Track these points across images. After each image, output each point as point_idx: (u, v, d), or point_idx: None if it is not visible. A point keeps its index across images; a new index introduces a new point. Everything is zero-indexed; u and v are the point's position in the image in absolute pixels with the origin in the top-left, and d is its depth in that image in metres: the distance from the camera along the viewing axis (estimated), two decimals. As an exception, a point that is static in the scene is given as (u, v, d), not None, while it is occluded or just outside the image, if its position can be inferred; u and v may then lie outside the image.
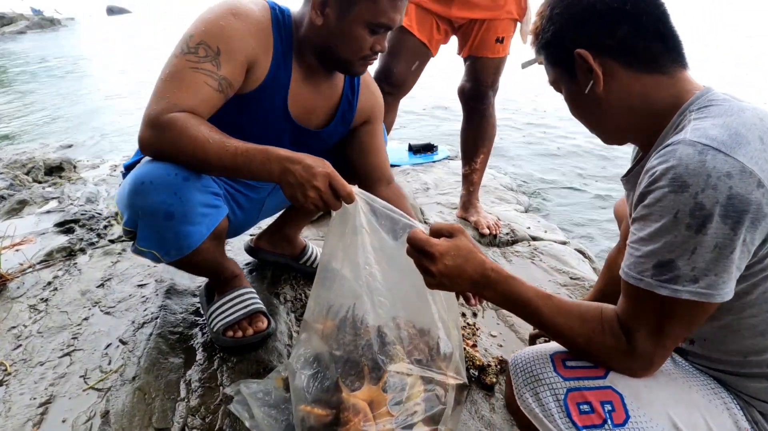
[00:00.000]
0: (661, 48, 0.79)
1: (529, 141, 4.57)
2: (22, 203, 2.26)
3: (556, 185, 3.52)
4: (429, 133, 4.58)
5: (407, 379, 0.92)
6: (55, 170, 3.00)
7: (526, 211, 2.61)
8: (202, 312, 1.42)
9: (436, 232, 0.86)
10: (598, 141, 0.96)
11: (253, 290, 1.36)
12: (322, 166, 0.97)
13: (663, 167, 0.69)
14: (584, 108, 0.86)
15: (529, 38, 0.92)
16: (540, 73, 0.91)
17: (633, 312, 0.75)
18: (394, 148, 3.32)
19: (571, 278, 1.76)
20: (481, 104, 1.98)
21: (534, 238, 2.10)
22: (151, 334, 1.35)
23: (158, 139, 0.99)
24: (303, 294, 1.56)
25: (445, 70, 4.07)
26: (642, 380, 0.78)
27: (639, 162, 0.86)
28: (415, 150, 3.23)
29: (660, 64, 0.79)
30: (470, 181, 2.10)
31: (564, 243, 2.10)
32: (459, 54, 1.96)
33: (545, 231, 2.23)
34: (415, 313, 0.99)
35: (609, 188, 3.48)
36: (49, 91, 7.25)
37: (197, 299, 1.50)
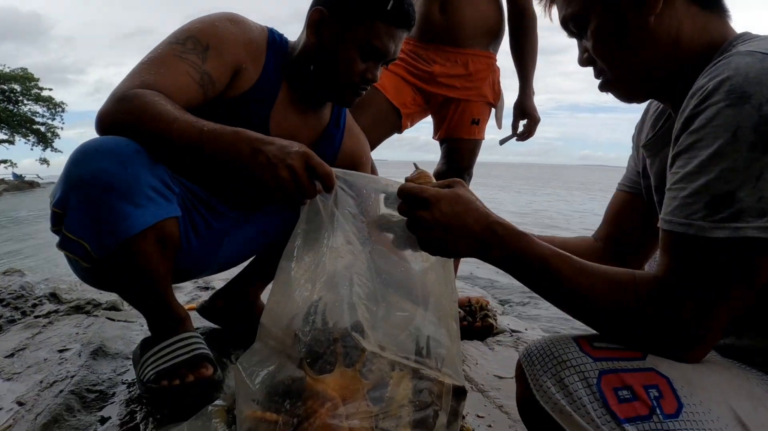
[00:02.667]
0: None
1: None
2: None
3: (535, 297, 3.41)
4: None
5: (391, 373, 0.71)
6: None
7: (503, 313, 2.46)
8: (134, 370, 1.15)
9: (431, 185, 0.75)
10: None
11: (200, 336, 1.12)
12: (297, 146, 0.87)
13: (716, 80, 0.58)
14: (621, 41, 0.71)
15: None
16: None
17: (678, 270, 0.59)
18: None
19: None
20: None
21: (514, 331, 1.94)
22: (61, 391, 1.06)
23: (120, 110, 0.90)
24: (260, 357, 1.31)
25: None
26: (688, 364, 0.61)
27: (665, 122, 0.77)
28: None
29: (714, 1, 0.70)
30: None
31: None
32: (434, 137, 1.98)
33: (525, 329, 2.07)
34: (405, 301, 0.81)
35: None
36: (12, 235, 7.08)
37: (130, 362, 1.23)
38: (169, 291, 1.08)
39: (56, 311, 1.65)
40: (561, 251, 0.66)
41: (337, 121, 1.26)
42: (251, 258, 1.41)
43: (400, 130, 1.89)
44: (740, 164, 0.55)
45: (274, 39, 1.15)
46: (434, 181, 0.84)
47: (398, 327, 0.79)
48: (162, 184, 0.96)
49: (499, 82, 1.94)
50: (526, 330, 2.05)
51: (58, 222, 0.93)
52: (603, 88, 0.78)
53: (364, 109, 1.69)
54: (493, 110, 1.95)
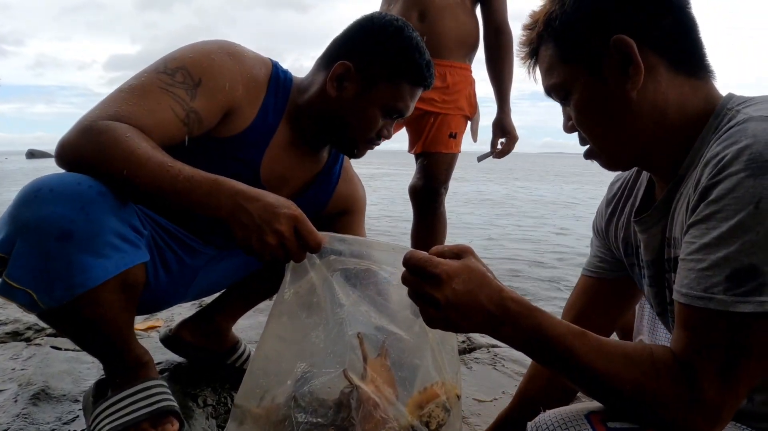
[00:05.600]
0: (697, 49, 0.69)
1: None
2: None
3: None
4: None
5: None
6: None
7: None
8: (84, 419, 1.01)
9: (439, 254, 0.67)
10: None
11: (165, 384, 1.00)
12: (287, 206, 0.79)
13: (734, 149, 0.56)
14: (603, 114, 0.70)
15: (521, 45, 0.77)
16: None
17: (696, 345, 0.57)
18: None
19: None
20: (433, 202, 1.93)
21: (492, 346, 1.91)
22: (-9, 450, 0.91)
23: (84, 144, 0.79)
24: (228, 399, 1.18)
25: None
26: None
27: (648, 192, 0.75)
28: None
29: (698, 66, 0.69)
30: None
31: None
32: (410, 151, 1.96)
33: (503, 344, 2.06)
34: (404, 368, 0.73)
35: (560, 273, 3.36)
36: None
37: (80, 405, 1.08)
38: (131, 335, 0.96)
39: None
40: (576, 327, 0.63)
41: (334, 164, 1.20)
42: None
43: None
44: (763, 237, 0.53)
45: (278, 75, 1.06)
46: None
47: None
48: (129, 228, 0.86)
49: (474, 95, 1.93)
50: (503, 347, 2.02)
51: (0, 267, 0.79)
52: (588, 156, 0.77)
53: None
54: (468, 123, 1.95)
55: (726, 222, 0.55)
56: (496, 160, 2.06)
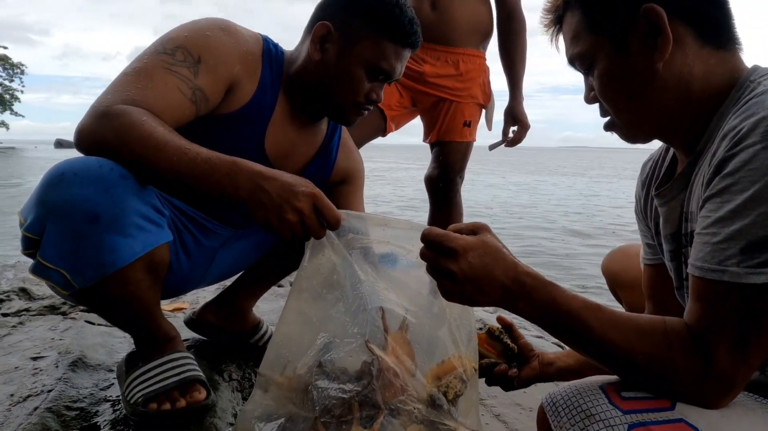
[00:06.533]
0: (726, 19, 0.67)
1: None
2: None
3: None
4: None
5: (410, 427, 0.67)
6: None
7: (494, 311, 2.46)
8: (119, 386, 1.07)
9: (456, 231, 0.70)
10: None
11: (191, 356, 1.05)
12: (305, 184, 0.81)
13: (750, 121, 0.56)
14: (627, 85, 0.69)
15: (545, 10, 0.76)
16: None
17: (710, 317, 0.58)
18: None
19: None
20: (449, 191, 1.92)
21: (537, 337, 1.92)
22: (36, 408, 0.97)
23: (102, 128, 0.81)
24: (252, 375, 1.24)
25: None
26: (717, 410, 0.59)
27: (671, 166, 0.76)
28: None
29: (726, 37, 0.67)
30: None
31: (540, 337, 1.93)
32: (425, 140, 1.95)
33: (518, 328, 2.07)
34: (422, 343, 0.77)
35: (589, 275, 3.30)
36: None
37: (115, 374, 1.15)
38: (158, 312, 1.02)
39: (27, 310, 1.53)
40: (589, 301, 0.65)
41: (332, 136, 1.21)
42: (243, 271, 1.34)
43: (384, 133, 1.85)
44: None
45: (269, 49, 1.07)
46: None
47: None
48: (152, 208, 0.89)
49: (489, 83, 1.92)
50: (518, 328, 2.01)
51: (31, 247, 0.85)
52: (608, 128, 0.76)
53: None
54: (483, 111, 1.93)
55: (741, 195, 0.55)
56: (507, 148, 2.06)
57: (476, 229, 0.70)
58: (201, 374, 1.02)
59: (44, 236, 0.82)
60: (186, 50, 0.92)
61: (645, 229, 0.92)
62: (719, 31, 0.66)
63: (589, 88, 0.75)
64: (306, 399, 0.73)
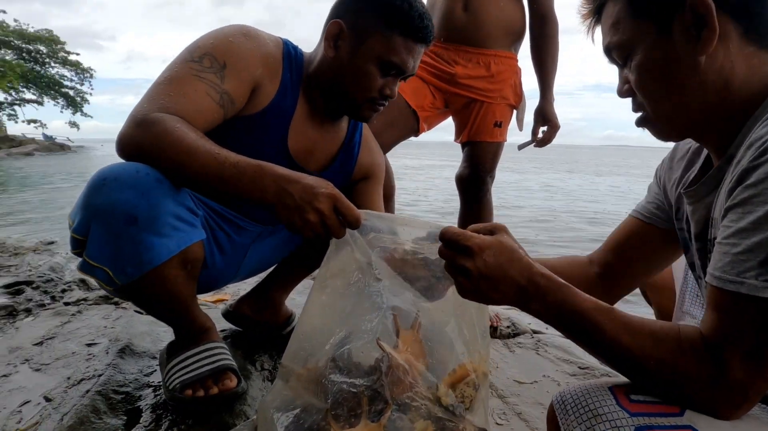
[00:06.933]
0: None
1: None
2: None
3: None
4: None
5: (415, 426, 0.69)
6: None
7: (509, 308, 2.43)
8: (160, 373, 1.16)
9: (474, 230, 0.72)
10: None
11: (225, 346, 1.13)
12: (325, 186, 0.84)
13: None
14: (666, 76, 0.66)
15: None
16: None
17: (726, 327, 0.57)
18: None
19: (579, 368, 1.55)
20: (479, 191, 1.94)
21: (536, 332, 1.91)
22: (87, 391, 1.07)
23: (140, 135, 0.87)
24: (283, 366, 1.31)
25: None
26: (728, 421, 0.58)
27: (705, 168, 0.73)
28: None
29: None
30: None
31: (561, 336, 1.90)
32: (456, 140, 1.97)
33: (547, 328, 2.05)
34: (435, 342, 0.79)
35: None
36: (42, 198, 7.28)
37: (157, 361, 1.24)
38: (194, 304, 1.09)
39: (85, 299, 1.67)
40: (603, 304, 0.65)
41: (353, 133, 1.24)
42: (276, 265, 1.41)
43: (416, 133, 1.87)
44: None
45: (290, 52, 1.11)
46: None
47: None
48: (186, 209, 0.95)
49: (520, 84, 1.91)
50: (547, 329, 2.01)
51: (78, 247, 0.93)
52: (640, 123, 0.74)
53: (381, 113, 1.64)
54: (514, 111, 1.93)
55: (763, 207, 0.54)
56: (536, 148, 2.03)
57: (494, 230, 0.72)
58: (233, 363, 1.09)
59: (89, 237, 0.90)
60: (212, 57, 0.97)
61: (660, 194, 0.90)
62: (765, 31, 0.64)
63: (624, 81, 0.73)
64: (320, 392, 0.77)
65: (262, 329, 1.42)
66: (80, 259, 0.94)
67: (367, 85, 1.05)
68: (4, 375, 1.17)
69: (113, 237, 0.88)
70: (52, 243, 3.98)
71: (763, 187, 0.54)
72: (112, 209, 0.86)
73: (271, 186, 0.84)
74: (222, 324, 1.45)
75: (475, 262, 0.67)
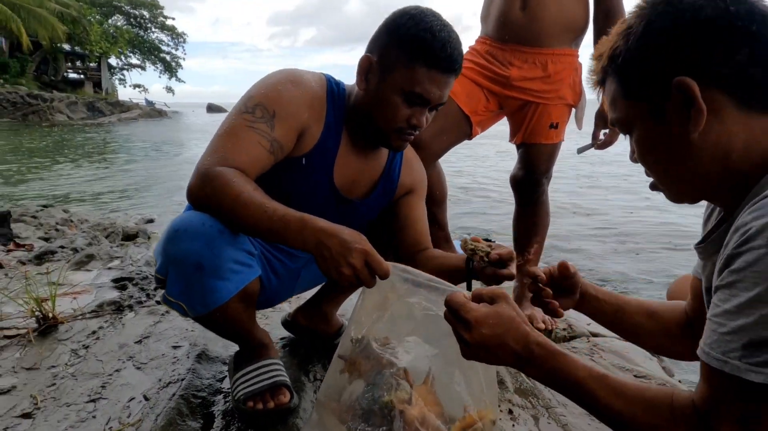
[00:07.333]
0: None
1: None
2: (90, 257, 2.43)
3: (623, 279, 3.26)
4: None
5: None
6: (131, 238, 3.24)
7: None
8: (228, 379, 1.39)
9: (477, 297, 0.80)
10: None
11: (280, 362, 1.32)
12: (359, 241, 0.93)
13: (760, 223, 0.57)
14: (663, 154, 0.69)
15: (591, 67, 0.77)
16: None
17: (713, 400, 0.62)
18: None
19: (635, 376, 1.56)
20: (534, 192, 1.92)
21: (594, 334, 1.90)
22: (174, 394, 1.32)
23: (203, 189, 1.01)
24: (332, 376, 1.49)
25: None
26: None
27: (719, 225, 0.74)
28: None
29: None
30: (524, 273, 2.00)
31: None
32: (511, 141, 1.94)
33: (606, 331, 2.01)
34: (444, 394, 0.91)
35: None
36: (146, 166, 8.09)
37: (227, 367, 1.47)
38: (254, 326, 1.28)
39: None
40: (597, 370, 0.70)
41: (394, 157, 1.32)
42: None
43: (470, 137, 1.87)
44: None
45: (332, 89, 1.20)
46: (484, 245, 1.00)
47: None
48: (244, 252, 1.11)
49: (580, 82, 1.83)
50: (606, 333, 1.95)
51: (160, 283, 1.14)
52: (653, 188, 0.78)
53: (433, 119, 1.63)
54: (573, 110, 1.86)
55: (746, 293, 0.57)
56: (598, 151, 1.96)
57: (495, 298, 0.78)
58: (286, 379, 1.28)
59: (167, 278, 1.11)
60: (263, 107, 1.09)
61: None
62: (765, 95, 0.64)
63: (633, 149, 0.77)
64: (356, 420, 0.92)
65: (316, 337, 1.61)
66: (162, 292, 1.14)
67: (393, 116, 1.12)
68: (117, 370, 1.46)
69: (185, 280, 1.07)
70: (151, 221, 4.52)
71: (745, 275, 0.57)
72: (183, 258, 1.04)
73: (311, 239, 0.95)
74: (281, 332, 1.65)
75: (473, 335, 0.74)
